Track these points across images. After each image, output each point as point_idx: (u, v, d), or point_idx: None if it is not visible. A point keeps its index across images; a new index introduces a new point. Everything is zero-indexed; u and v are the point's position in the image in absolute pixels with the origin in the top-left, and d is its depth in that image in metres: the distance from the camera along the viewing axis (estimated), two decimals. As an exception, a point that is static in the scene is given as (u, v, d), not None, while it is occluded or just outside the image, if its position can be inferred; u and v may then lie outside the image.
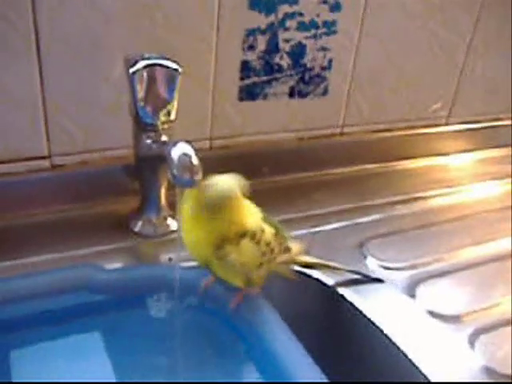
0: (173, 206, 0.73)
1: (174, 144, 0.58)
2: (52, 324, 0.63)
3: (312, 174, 0.91)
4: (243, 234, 0.54)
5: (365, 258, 0.74)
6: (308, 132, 0.90)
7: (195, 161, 0.57)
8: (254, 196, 0.80)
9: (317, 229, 0.79)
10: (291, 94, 0.85)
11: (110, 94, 0.73)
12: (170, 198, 0.73)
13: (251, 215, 0.56)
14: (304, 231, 0.78)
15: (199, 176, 0.56)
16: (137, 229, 0.74)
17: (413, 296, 0.68)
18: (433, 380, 0.57)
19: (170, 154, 0.57)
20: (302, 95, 0.86)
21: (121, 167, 0.76)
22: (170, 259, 0.70)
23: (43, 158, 0.73)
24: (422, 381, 0.57)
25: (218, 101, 0.80)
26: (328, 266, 0.68)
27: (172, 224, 0.75)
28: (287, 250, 0.61)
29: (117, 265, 0.68)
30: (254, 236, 0.55)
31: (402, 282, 0.70)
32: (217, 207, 0.52)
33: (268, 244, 0.56)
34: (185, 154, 0.57)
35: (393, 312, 0.65)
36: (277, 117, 0.86)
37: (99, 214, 0.76)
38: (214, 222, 0.53)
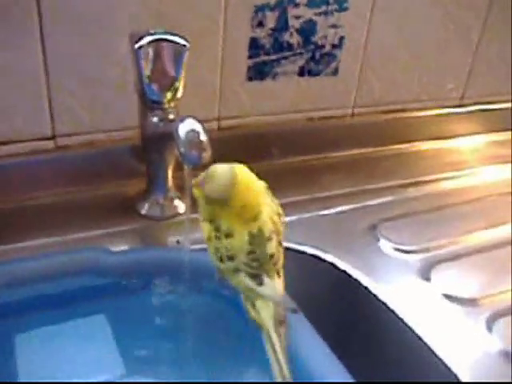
0: (180, 188, 0.72)
1: (182, 120, 0.56)
2: (57, 307, 0.61)
3: (322, 155, 0.89)
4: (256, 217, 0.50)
5: (377, 240, 0.72)
6: (318, 112, 0.87)
7: (203, 137, 0.55)
8: (262, 178, 0.81)
9: (327, 211, 0.77)
10: (301, 73, 0.82)
11: (115, 72, 0.70)
12: (177, 180, 0.71)
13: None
14: (314, 214, 0.76)
15: (208, 153, 0.54)
16: (143, 211, 0.72)
17: (428, 279, 0.66)
18: (450, 364, 0.55)
19: (177, 131, 0.55)
20: (312, 74, 0.83)
21: (127, 148, 0.74)
22: (178, 242, 0.68)
23: (47, 138, 0.72)
24: (440, 370, 0.55)
25: (226, 80, 0.78)
26: None
27: (179, 206, 0.73)
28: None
29: (123, 247, 0.67)
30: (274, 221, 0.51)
31: (416, 265, 0.68)
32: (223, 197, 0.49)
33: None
34: (193, 130, 0.55)
35: (408, 295, 0.63)
36: (286, 96, 0.83)
37: (105, 195, 0.74)
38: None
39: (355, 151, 0.91)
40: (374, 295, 0.63)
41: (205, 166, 0.54)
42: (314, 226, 0.74)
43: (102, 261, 0.63)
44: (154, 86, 0.63)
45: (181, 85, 0.65)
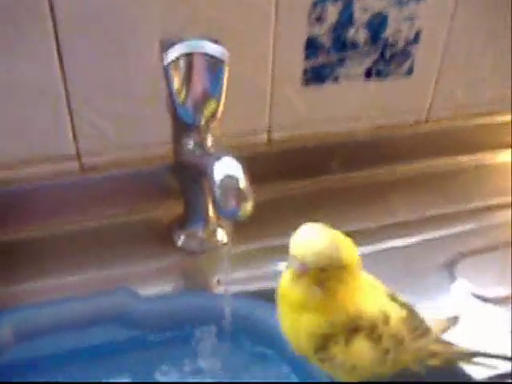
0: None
1: (217, 158, 0.45)
2: (76, 365, 0.54)
3: (390, 169, 0.77)
4: (356, 328, 0.39)
5: (454, 281, 0.61)
6: (387, 120, 0.76)
7: (243, 184, 0.44)
8: (319, 199, 0.72)
9: (395, 243, 0.66)
10: (368, 75, 0.71)
11: (144, 83, 0.60)
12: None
13: (370, 296, 0.41)
14: (379, 245, 0.65)
15: (248, 205, 0.43)
16: (180, 243, 0.63)
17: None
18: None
19: (212, 174, 0.44)
20: (382, 76, 0.71)
21: (161, 167, 0.65)
22: (219, 281, 0.59)
23: (71, 158, 0.63)
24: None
25: (278, 85, 0.67)
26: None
27: (222, 237, 0.64)
28: (422, 335, 0.43)
29: (155, 289, 0.58)
30: (372, 330, 0.40)
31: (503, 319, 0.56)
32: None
33: (394, 336, 0.41)
34: (230, 177, 0.44)
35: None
36: (349, 103, 0.73)
37: (136, 223, 0.66)
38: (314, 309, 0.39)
39: (430, 163, 0.79)
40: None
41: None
42: (379, 260, 0.63)
43: (129, 309, 0.55)
44: (188, 106, 0.53)
45: (221, 103, 0.54)
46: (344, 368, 0.40)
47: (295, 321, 0.40)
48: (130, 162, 0.65)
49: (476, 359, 0.45)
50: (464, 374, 0.49)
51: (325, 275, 0.37)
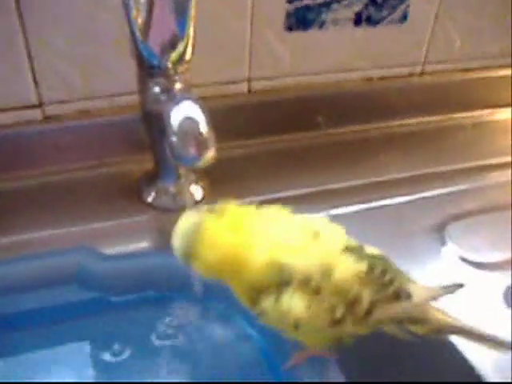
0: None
1: (177, 102, 0.40)
2: (32, 328, 0.50)
3: (381, 125, 0.73)
4: (286, 281, 0.36)
5: (443, 244, 0.57)
6: (378, 71, 0.72)
7: (204, 128, 0.39)
8: (304, 154, 0.67)
9: (383, 202, 0.62)
10: (357, 21, 0.66)
11: (110, 25, 0.56)
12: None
13: (303, 249, 0.37)
14: (367, 204, 0.61)
15: (210, 152, 0.39)
16: (150, 199, 0.59)
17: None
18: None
19: (168, 118, 0.40)
20: (373, 22, 0.67)
21: (130, 117, 0.60)
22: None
23: (33, 106, 0.58)
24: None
25: (258, 31, 0.63)
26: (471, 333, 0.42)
27: (197, 192, 0.59)
28: (397, 297, 0.39)
29: (121, 248, 0.54)
30: (306, 281, 0.36)
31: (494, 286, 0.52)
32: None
33: (341, 289, 0.37)
34: (189, 119, 0.39)
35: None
36: (337, 51, 0.68)
37: (103, 177, 0.61)
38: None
39: (424, 119, 0.75)
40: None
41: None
42: (366, 220, 0.59)
43: (90, 268, 0.51)
44: (153, 46, 0.47)
45: (189, 44, 0.49)
46: (286, 323, 0.37)
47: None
48: (97, 112, 0.61)
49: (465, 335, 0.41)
50: (453, 347, 0.46)
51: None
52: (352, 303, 0.37)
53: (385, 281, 0.38)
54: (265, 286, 0.36)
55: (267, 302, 0.36)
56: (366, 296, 0.37)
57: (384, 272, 0.38)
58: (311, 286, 0.36)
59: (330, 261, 0.37)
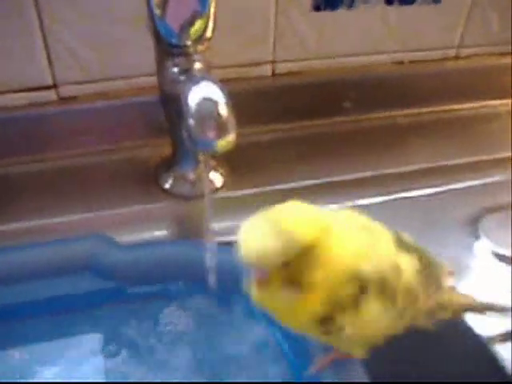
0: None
1: (195, 82, 0.38)
2: (44, 316, 0.49)
3: (412, 111, 0.71)
4: (362, 288, 0.32)
5: (475, 238, 0.54)
6: (410, 54, 0.69)
7: (224, 110, 0.36)
8: (329, 141, 0.65)
9: (414, 193, 0.59)
10: (389, 0, 0.64)
11: (127, 2, 0.54)
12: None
13: (371, 249, 0.33)
14: (396, 195, 0.59)
15: (230, 136, 0.36)
16: (167, 186, 0.57)
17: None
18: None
19: (186, 99, 0.37)
20: (406, 1, 0.64)
21: (149, 99, 0.58)
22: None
23: (47, 87, 0.57)
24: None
25: (283, 10, 0.61)
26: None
27: (216, 179, 0.58)
28: (436, 288, 0.37)
29: (136, 237, 0.53)
30: (383, 287, 0.33)
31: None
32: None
33: (409, 291, 0.34)
34: (208, 99, 0.36)
35: None
36: (367, 32, 0.66)
37: (119, 162, 0.60)
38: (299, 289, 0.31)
39: (457, 106, 0.73)
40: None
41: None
42: (395, 212, 0.57)
43: (104, 257, 0.49)
44: (170, 23, 0.45)
45: (210, 20, 0.46)
46: (353, 337, 0.33)
47: (289, 316, 0.34)
48: (113, 94, 0.59)
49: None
50: (470, 330, 0.44)
51: (291, 267, 0.30)
52: (413, 302, 0.34)
53: (430, 272, 0.35)
54: (342, 298, 0.32)
55: (346, 317, 0.32)
56: (421, 292, 0.34)
57: (427, 263, 0.35)
58: (388, 291, 0.32)
59: (394, 260, 0.33)
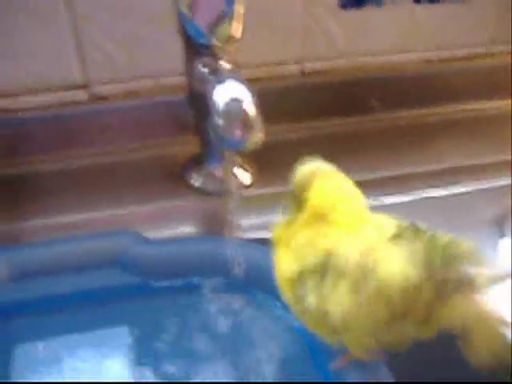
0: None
1: (223, 82, 0.38)
2: (72, 309, 0.50)
3: (440, 110, 0.71)
4: (328, 269, 0.34)
5: (502, 238, 0.54)
6: (439, 52, 0.70)
7: (252, 110, 0.37)
8: (357, 139, 0.65)
9: (442, 191, 0.60)
10: None
11: (156, 2, 0.54)
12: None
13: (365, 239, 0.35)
14: (424, 194, 0.59)
15: (256, 136, 0.37)
16: (195, 183, 0.58)
17: None
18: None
19: (214, 98, 0.38)
20: (433, 0, 0.64)
21: (177, 99, 0.59)
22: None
23: (78, 87, 0.58)
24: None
25: (311, 9, 0.61)
26: None
27: (244, 177, 0.58)
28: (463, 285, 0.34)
29: (164, 233, 0.54)
30: (341, 272, 0.34)
31: None
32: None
33: (386, 289, 0.33)
34: (236, 100, 0.37)
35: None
36: (394, 30, 0.66)
37: (148, 160, 0.61)
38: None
39: (486, 105, 0.72)
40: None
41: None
42: (421, 209, 0.57)
43: (132, 253, 0.51)
44: (199, 23, 0.46)
45: (237, 20, 0.47)
46: (316, 312, 0.35)
47: (276, 262, 0.38)
48: (142, 92, 0.60)
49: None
50: None
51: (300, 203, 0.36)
52: (411, 302, 0.33)
53: (447, 269, 0.33)
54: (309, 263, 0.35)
55: (312, 287, 0.35)
56: (427, 292, 0.33)
57: (445, 258, 0.33)
58: (349, 278, 0.33)
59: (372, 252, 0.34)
